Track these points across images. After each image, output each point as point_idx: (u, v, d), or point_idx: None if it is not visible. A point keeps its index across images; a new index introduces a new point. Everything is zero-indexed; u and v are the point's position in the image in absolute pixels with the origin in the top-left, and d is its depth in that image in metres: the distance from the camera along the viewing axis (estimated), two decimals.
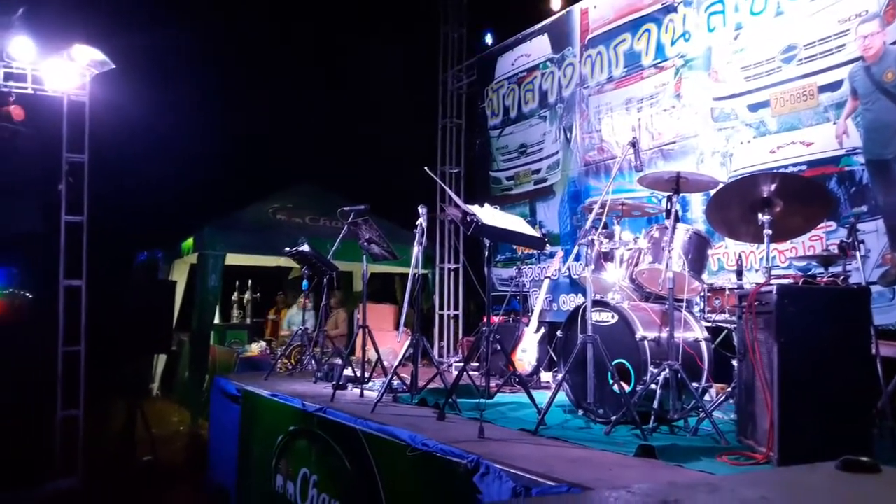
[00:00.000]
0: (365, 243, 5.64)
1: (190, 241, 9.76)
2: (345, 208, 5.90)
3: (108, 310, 7.00)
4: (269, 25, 13.12)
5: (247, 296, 11.49)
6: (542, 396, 4.35)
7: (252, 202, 10.31)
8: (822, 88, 5.34)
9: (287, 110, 13.43)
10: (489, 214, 4.41)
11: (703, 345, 4.16)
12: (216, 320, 10.32)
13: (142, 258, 12.57)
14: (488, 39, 9.73)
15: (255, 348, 9.03)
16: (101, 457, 6.67)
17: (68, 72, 6.56)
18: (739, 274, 4.61)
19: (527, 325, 6.33)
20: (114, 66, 6.70)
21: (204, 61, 12.56)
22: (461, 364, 5.94)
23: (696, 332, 4.20)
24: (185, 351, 10.29)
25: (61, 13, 7.21)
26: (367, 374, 5.47)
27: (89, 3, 8.13)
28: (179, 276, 10.82)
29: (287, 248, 6.72)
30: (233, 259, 9.57)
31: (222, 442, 6.28)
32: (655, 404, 3.73)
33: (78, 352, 6.52)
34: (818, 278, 3.90)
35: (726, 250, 5.85)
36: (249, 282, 11.56)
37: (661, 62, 6.72)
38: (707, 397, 4.17)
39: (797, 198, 3.66)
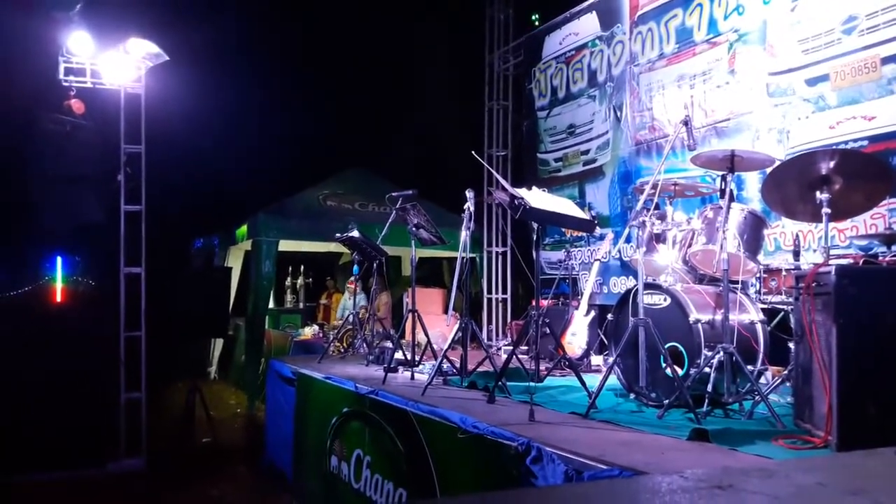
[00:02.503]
0: (413, 228, 5.67)
1: (244, 228, 9.97)
2: (393, 194, 5.94)
3: (166, 296, 7.22)
4: (315, 12, 13.21)
5: (300, 281, 11.72)
6: (592, 380, 4.33)
7: (303, 189, 10.46)
8: (886, 60, 5.10)
9: (334, 97, 13.54)
10: (537, 197, 4.38)
11: (759, 327, 4.06)
12: (270, 305, 10.55)
13: (198, 245, 12.92)
14: (535, 19, 9.62)
15: (309, 332, 9.21)
16: (162, 438, 6.90)
17: (124, 65, 6.73)
18: (797, 254, 4.48)
19: (576, 308, 6.28)
20: (167, 58, 6.85)
21: (253, 50, 12.74)
22: (510, 347, 5.94)
23: (751, 314, 4.11)
24: (241, 335, 10.56)
25: (116, 7, 7.40)
26: (417, 358, 5.53)
27: None
28: (234, 262, 11.09)
29: (338, 234, 6.81)
30: (286, 245, 9.75)
31: (278, 423, 6.44)
32: (709, 387, 3.67)
33: (139, 337, 6.75)
34: (880, 258, 3.76)
35: (783, 230, 5.68)
36: (302, 267, 11.79)
37: (713, 37, 6.54)
38: (763, 380, 4.09)
39: (858, 175, 3.53)
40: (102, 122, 6.90)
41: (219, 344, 11.60)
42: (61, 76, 6.65)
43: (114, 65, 6.72)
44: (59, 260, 6.53)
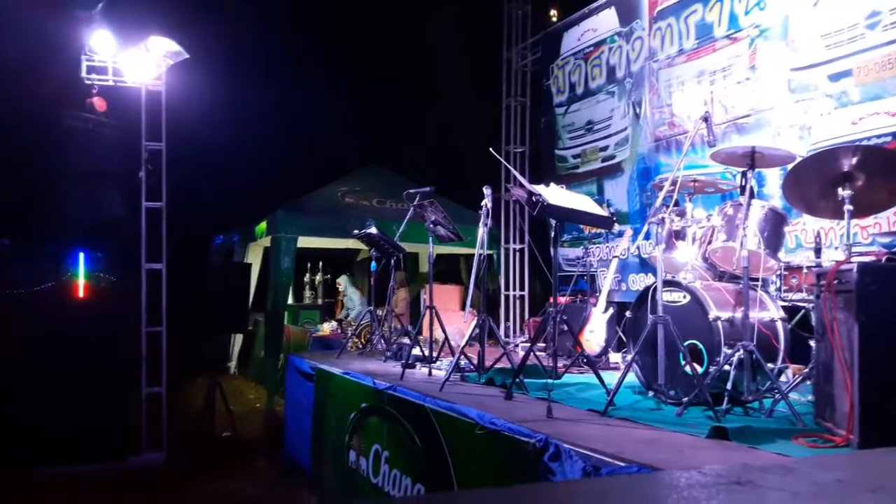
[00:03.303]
0: (431, 225, 5.68)
1: (263, 224, 10.04)
2: (410, 191, 5.96)
3: (187, 292, 7.28)
4: (334, 9, 13.26)
5: (318, 277, 11.78)
6: (610, 377, 4.31)
7: (321, 186, 10.51)
8: None
9: (352, 94, 13.59)
10: (555, 194, 4.37)
11: (780, 325, 4.03)
12: (289, 301, 10.61)
13: (218, 242, 13.03)
14: (554, 15, 9.59)
15: (327, 328, 9.26)
16: (183, 432, 6.97)
17: (145, 63, 6.79)
18: (818, 251, 4.42)
19: (594, 305, 6.26)
20: (188, 56, 6.90)
21: (272, 48, 12.81)
22: (528, 344, 5.93)
23: (771, 311, 4.08)
24: (260, 331, 10.63)
25: (137, 5, 7.47)
26: (434, 354, 5.54)
27: None
28: (254, 258, 11.17)
29: (356, 231, 6.83)
30: (304, 241, 9.79)
31: (297, 418, 6.49)
32: (729, 385, 3.65)
33: (160, 332, 6.82)
34: None
35: (804, 227, 5.63)
36: (320, 263, 11.84)
37: (734, 33, 6.48)
38: (783, 378, 4.06)
39: (880, 171, 3.49)
40: (124, 120, 6.96)
41: (238, 339, 11.69)
42: (84, 74, 6.72)
43: (135, 63, 6.77)
44: (81, 256, 6.60)
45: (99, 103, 6.78)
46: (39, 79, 6.83)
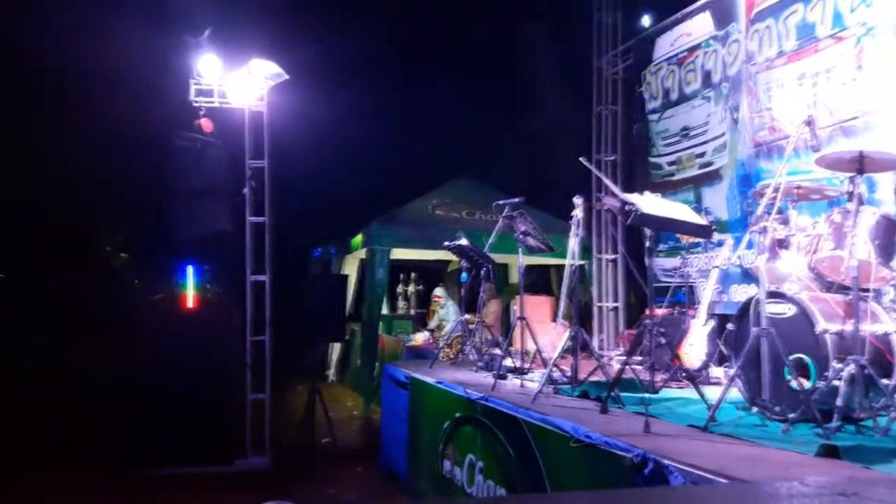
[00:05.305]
0: (520, 236, 5.68)
1: (359, 237, 10.31)
2: (499, 202, 5.99)
3: (288, 302, 7.56)
4: (425, 24, 13.51)
5: (411, 288, 11.98)
6: (711, 393, 4.19)
7: (413, 198, 10.70)
8: None
9: (442, 106, 13.76)
10: (650, 203, 4.30)
11: (894, 338, 3.81)
12: (384, 311, 10.83)
13: (317, 254, 13.48)
14: (645, 21, 9.44)
15: (420, 338, 9.40)
16: (284, 437, 7.23)
17: (248, 84, 7.11)
18: None
19: (693, 317, 6.09)
20: (287, 77, 7.21)
21: (366, 66, 13.17)
22: (623, 357, 5.84)
23: (885, 324, 3.86)
24: (356, 340, 10.90)
25: (240, 29, 7.86)
26: (526, 365, 5.53)
27: (263, 18, 8.80)
28: (350, 269, 11.48)
29: (446, 242, 6.91)
30: (397, 253, 9.98)
31: (393, 426, 6.62)
32: (839, 402, 3.48)
33: (263, 341, 7.11)
34: None
35: None
36: (413, 274, 12.04)
37: (839, 32, 6.18)
38: None
39: None
40: (229, 139, 7.31)
41: (337, 348, 12.03)
42: (192, 97, 7.13)
43: (238, 85, 7.10)
44: (189, 269, 6.95)
45: (206, 124, 7.15)
46: (154, 103, 7.29)
